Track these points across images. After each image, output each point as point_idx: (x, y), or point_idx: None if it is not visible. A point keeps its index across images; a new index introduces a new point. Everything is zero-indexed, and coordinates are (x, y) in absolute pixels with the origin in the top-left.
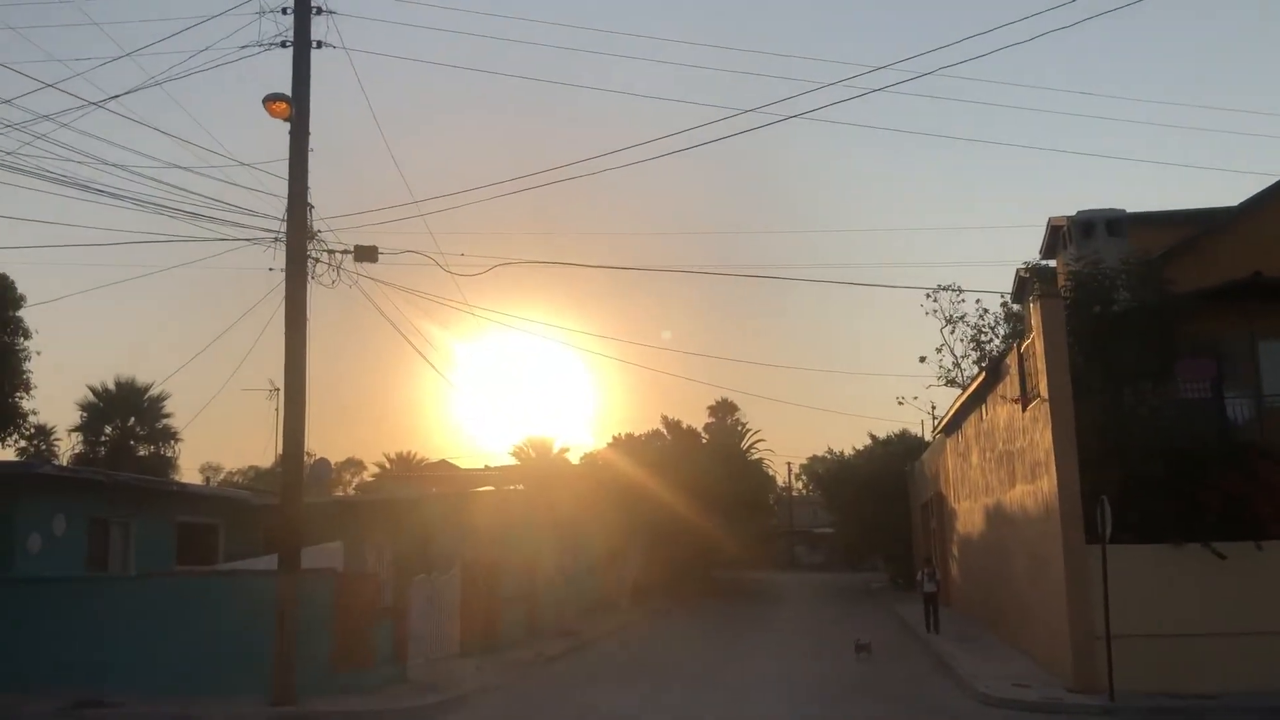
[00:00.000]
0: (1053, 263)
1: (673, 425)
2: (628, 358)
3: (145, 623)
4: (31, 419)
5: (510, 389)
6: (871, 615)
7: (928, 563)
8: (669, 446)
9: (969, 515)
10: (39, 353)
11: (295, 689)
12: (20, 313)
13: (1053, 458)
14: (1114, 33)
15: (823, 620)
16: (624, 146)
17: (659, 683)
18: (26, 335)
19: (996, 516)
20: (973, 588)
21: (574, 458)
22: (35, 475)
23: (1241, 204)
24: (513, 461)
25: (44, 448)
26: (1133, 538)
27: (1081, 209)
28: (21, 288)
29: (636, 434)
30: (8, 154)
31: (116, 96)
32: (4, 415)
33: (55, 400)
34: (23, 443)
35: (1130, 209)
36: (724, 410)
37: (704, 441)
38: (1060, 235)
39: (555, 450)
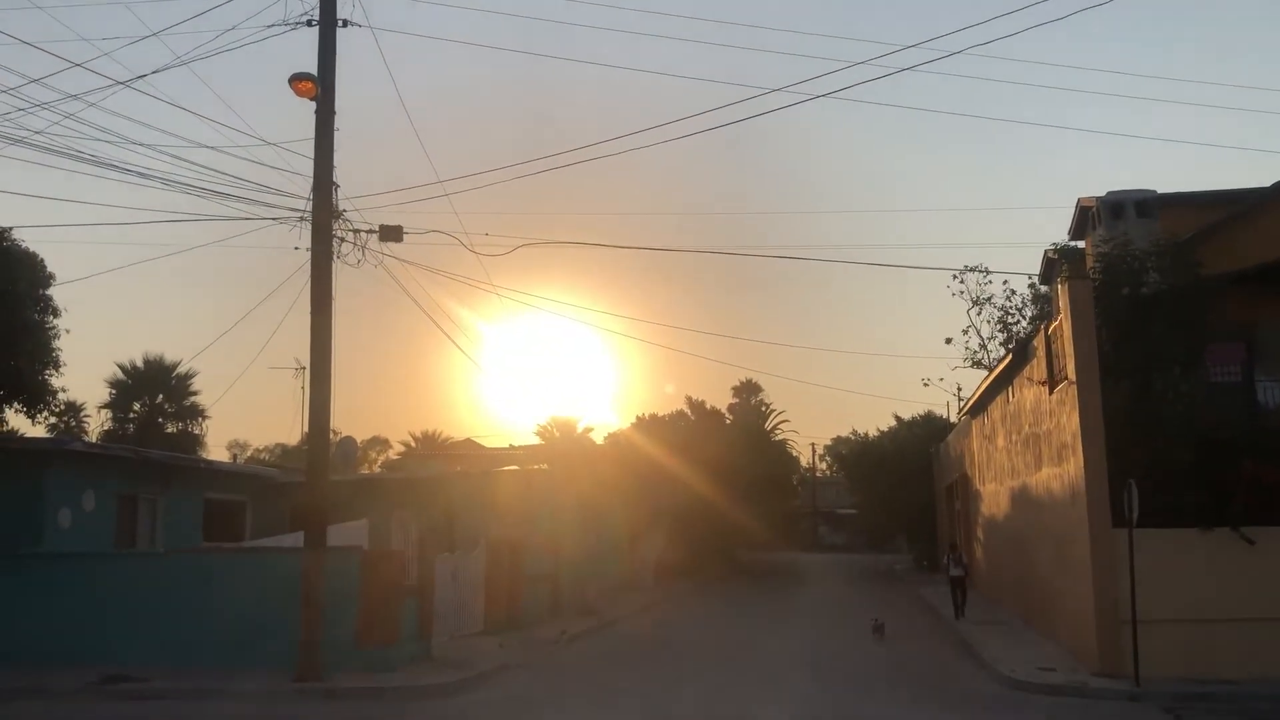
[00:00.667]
0: (1081, 244)
1: (696, 406)
2: (652, 338)
3: (172, 598)
4: (61, 396)
5: (535, 369)
6: (895, 597)
7: (954, 547)
8: (693, 427)
9: (994, 498)
10: (68, 331)
11: (320, 665)
12: (50, 291)
13: (1079, 441)
14: (1146, 11)
15: (846, 602)
16: (650, 126)
17: (682, 664)
18: (56, 313)
19: (1022, 499)
20: (997, 571)
21: (598, 438)
22: (65, 452)
23: (1274, 185)
24: (537, 441)
25: (73, 424)
26: (1160, 522)
27: (1111, 190)
28: (51, 266)
29: (660, 414)
30: (37, 133)
31: (144, 76)
32: (34, 392)
33: (85, 378)
34: (52, 420)
35: (1161, 190)
36: (748, 391)
37: (728, 422)
38: (1089, 216)
39: (579, 430)
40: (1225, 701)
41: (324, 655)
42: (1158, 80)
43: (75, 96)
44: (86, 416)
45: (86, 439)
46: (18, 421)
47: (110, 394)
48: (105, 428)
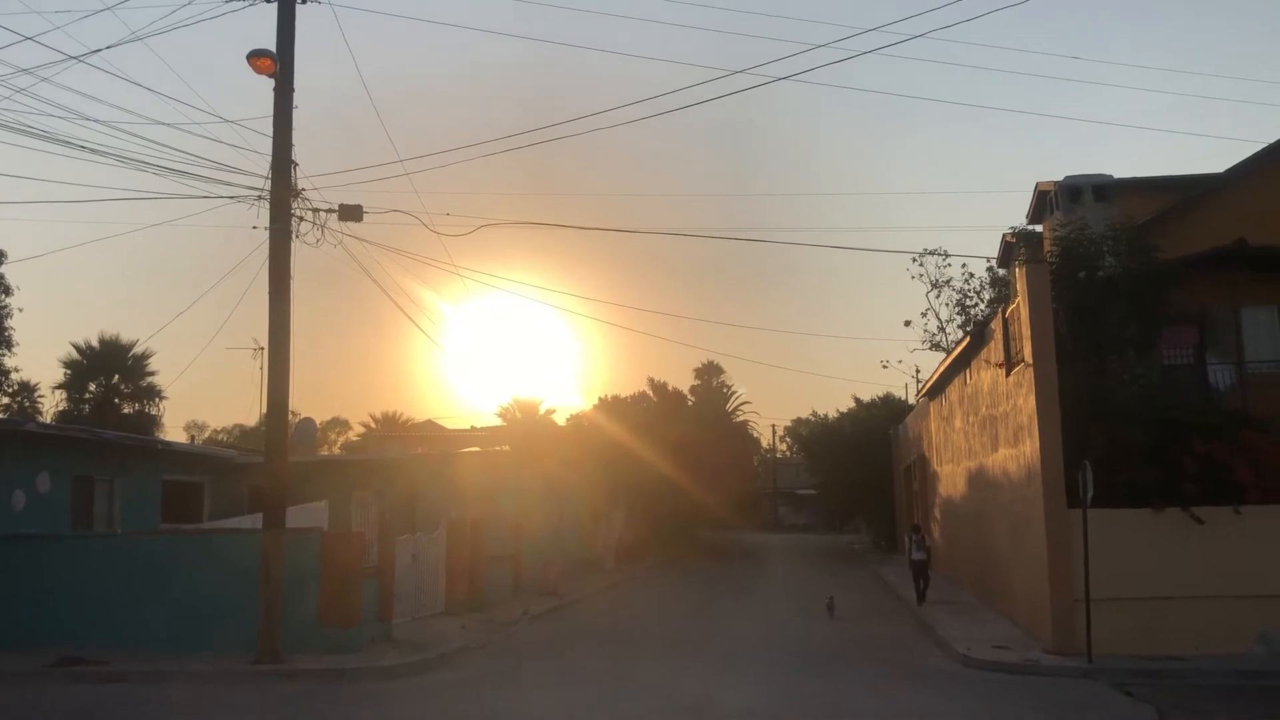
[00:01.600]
0: (1039, 228)
1: (659, 387)
2: (615, 320)
3: (130, 581)
4: (14, 376)
5: (497, 350)
6: (854, 577)
7: (916, 528)
8: (655, 408)
9: (951, 479)
10: (21, 309)
11: (280, 647)
12: (1, 269)
13: (1036, 422)
14: None
15: (805, 582)
16: (612, 107)
17: (643, 644)
18: (8, 292)
19: (979, 480)
20: (954, 551)
21: (560, 419)
22: (19, 432)
23: (1229, 171)
24: (499, 422)
25: (27, 405)
26: (1114, 502)
27: (1069, 174)
28: (2, 244)
29: (622, 396)
30: None
31: (98, 50)
32: None
33: (39, 358)
34: (5, 400)
35: (1118, 175)
36: (710, 373)
37: (690, 404)
38: (1047, 201)
39: (541, 411)
40: (1175, 677)
41: (284, 637)
42: (1116, 67)
43: (27, 71)
44: (41, 397)
45: (41, 420)
46: None
47: (65, 374)
48: (60, 408)
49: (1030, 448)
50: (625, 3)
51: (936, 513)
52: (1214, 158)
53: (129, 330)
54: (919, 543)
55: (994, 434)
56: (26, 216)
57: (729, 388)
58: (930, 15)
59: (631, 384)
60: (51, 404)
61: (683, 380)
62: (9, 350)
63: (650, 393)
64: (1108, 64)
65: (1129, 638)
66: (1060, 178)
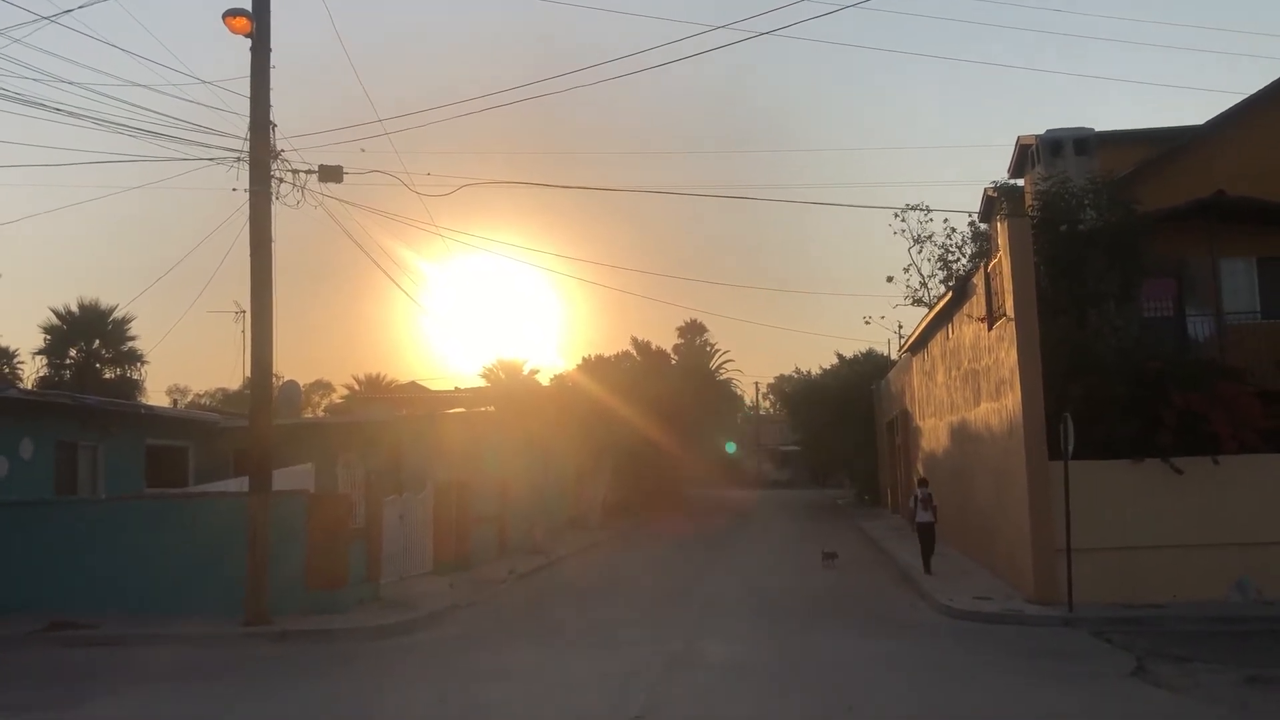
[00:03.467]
0: (1021, 182)
1: (642, 346)
2: (597, 279)
3: (117, 545)
4: None
5: (480, 311)
6: (837, 530)
7: (923, 483)
8: (638, 367)
9: (934, 433)
10: (0, 275)
11: (268, 609)
12: None
13: (1017, 376)
14: None
15: (789, 536)
16: (592, 64)
17: (629, 600)
18: None
19: (961, 434)
20: (938, 503)
21: (544, 379)
22: (1, 399)
23: (1208, 123)
24: (483, 383)
25: (7, 371)
26: (1095, 454)
27: (1050, 128)
28: None
29: (606, 355)
30: None
31: (70, 11)
32: None
33: (17, 323)
34: None
35: (1099, 128)
36: (693, 331)
37: (673, 362)
38: (1029, 154)
39: (525, 372)
40: (1152, 624)
41: (273, 599)
42: (1099, 19)
43: (0, 32)
44: (20, 364)
45: (21, 386)
46: None
47: (45, 340)
48: (41, 374)
49: (1012, 401)
50: None
51: (919, 467)
52: (1196, 110)
53: (109, 295)
54: (925, 500)
55: (976, 388)
56: (4, 182)
57: (712, 345)
58: None
59: (615, 344)
60: (32, 370)
61: (666, 339)
62: None
63: (634, 352)
64: (1090, 16)
65: (1109, 587)
66: (1042, 131)
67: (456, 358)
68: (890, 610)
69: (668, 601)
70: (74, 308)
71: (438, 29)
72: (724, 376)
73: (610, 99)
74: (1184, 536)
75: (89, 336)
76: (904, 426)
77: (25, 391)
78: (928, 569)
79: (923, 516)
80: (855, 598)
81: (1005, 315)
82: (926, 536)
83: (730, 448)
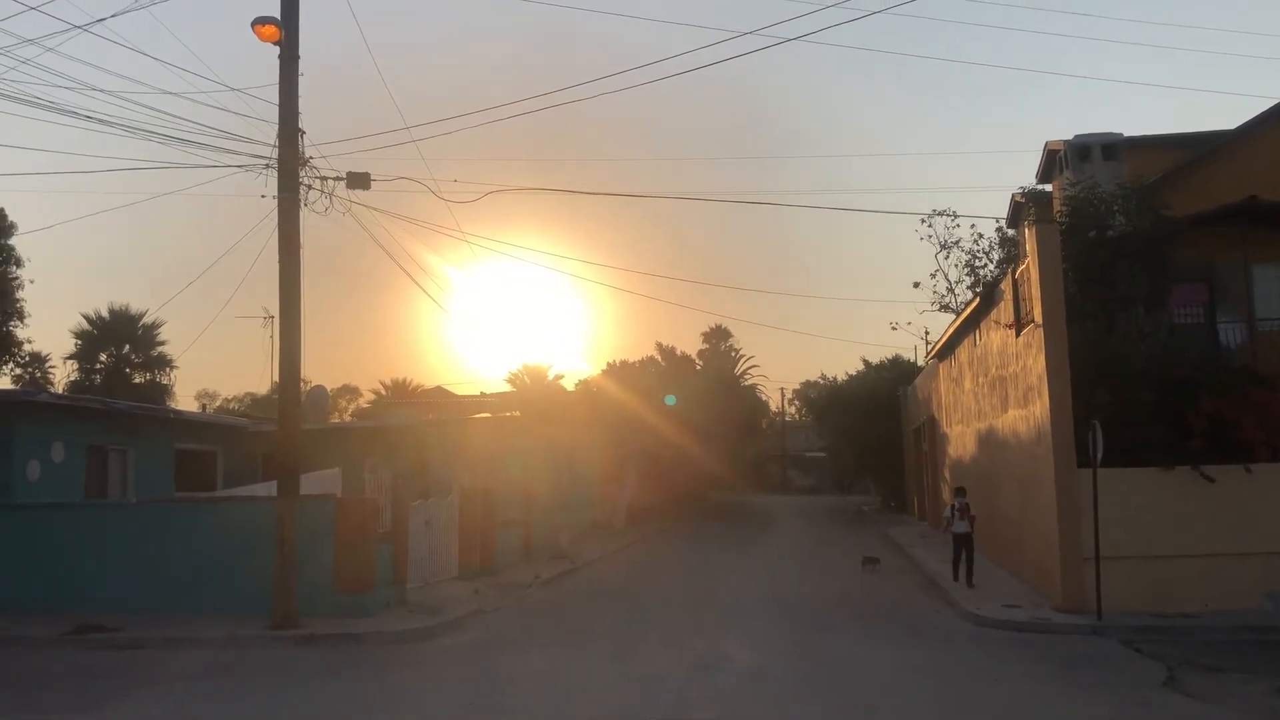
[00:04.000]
0: (1048, 187)
1: (667, 352)
2: (623, 285)
3: (145, 548)
4: (26, 347)
5: (505, 316)
6: (863, 537)
7: (960, 493)
8: (663, 373)
9: (961, 440)
10: (32, 281)
11: (296, 612)
12: (12, 241)
13: (1045, 382)
14: None
15: (814, 542)
16: (618, 71)
17: (654, 606)
18: (19, 264)
19: (988, 441)
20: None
21: (568, 384)
22: (33, 403)
23: (1239, 127)
24: (508, 388)
25: (39, 376)
26: (1123, 461)
27: (1078, 133)
28: (12, 215)
29: (631, 361)
30: None
31: (102, 20)
32: None
33: (49, 329)
34: (18, 371)
35: (1128, 133)
36: (718, 337)
37: (698, 368)
38: (1056, 160)
39: (550, 377)
40: (1183, 634)
41: (300, 602)
42: (1126, 23)
43: (32, 41)
44: (52, 368)
45: (52, 390)
46: None
47: (76, 345)
48: (71, 379)
49: (1040, 408)
50: None
51: (946, 473)
52: (1225, 115)
53: (139, 300)
54: (962, 510)
55: (1004, 395)
56: (35, 188)
57: (737, 351)
58: None
59: (640, 349)
60: (63, 374)
61: (691, 345)
62: (21, 322)
63: (659, 357)
64: (1118, 20)
65: (1138, 596)
66: (1070, 137)
67: (482, 363)
68: (916, 617)
69: (693, 605)
70: (104, 313)
71: (465, 34)
72: (749, 382)
73: (637, 104)
74: (1215, 545)
75: (119, 341)
76: (930, 433)
77: (56, 395)
78: (969, 581)
79: (959, 527)
80: (881, 604)
81: (1033, 321)
82: (963, 547)
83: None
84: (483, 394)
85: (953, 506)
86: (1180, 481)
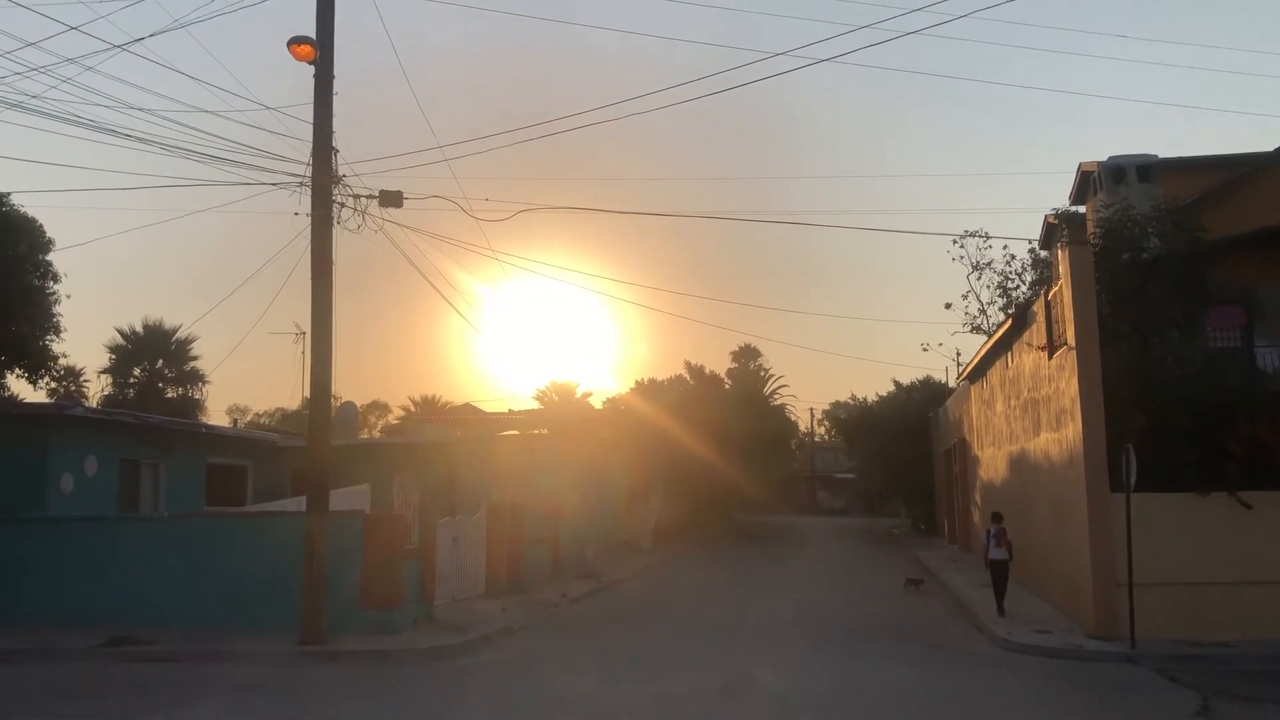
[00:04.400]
0: (1082, 209)
1: (695, 370)
2: (651, 303)
3: (176, 562)
4: (62, 361)
5: (534, 333)
6: (892, 559)
7: (996, 518)
8: (691, 391)
9: (992, 462)
10: (69, 296)
11: (323, 628)
12: (50, 256)
13: (1078, 406)
14: None
15: (843, 564)
16: (651, 91)
17: (681, 626)
18: (56, 279)
19: (1020, 464)
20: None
21: (596, 402)
22: (67, 417)
23: (1276, 149)
24: (536, 405)
25: (73, 389)
26: (1157, 485)
27: (1113, 155)
28: (50, 231)
29: (659, 379)
30: (34, 97)
31: (141, 39)
32: (35, 358)
33: (84, 343)
34: (53, 385)
35: (1163, 155)
36: (747, 356)
37: (726, 387)
38: (1091, 181)
39: (578, 394)
40: (1219, 663)
41: (328, 618)
42: (1161, 44)
43: (72, 60)
44: (86, 382)
45: (86, 404)
46: (19, 387)
47: (110, 359)
48: (105, 393)
49: (1073, 431)
50: None
51: (977, 496)
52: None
53: (172, 315)
54: (999, 535)
55: (1036, 417)
56: (73, 204)
57: (766, 370)
58: None
59: (668, 367)
60: (97, 388)
61: (720, 363)
62: (57, 336)
63: (687, 376)
64: (1153, 42)
65: (1172, 623)
66: (1104, 158)
67: (511, 380)
68: (947, 641)
69: (721, 627)
70: (139, 328)
71: (498, 54)
72: (778, 402)
73: (668, 123)
74: (1253, 573)
75: (153, 356)
76: (961, 455)
77: (91, 409)
78: (1000, 610)
79: (996, 553)
80: (911, 628)
81: (1066, 344)
82: (999, 575)
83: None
84: (511, 411)
85: (989, 533)
86: (1216, 507)
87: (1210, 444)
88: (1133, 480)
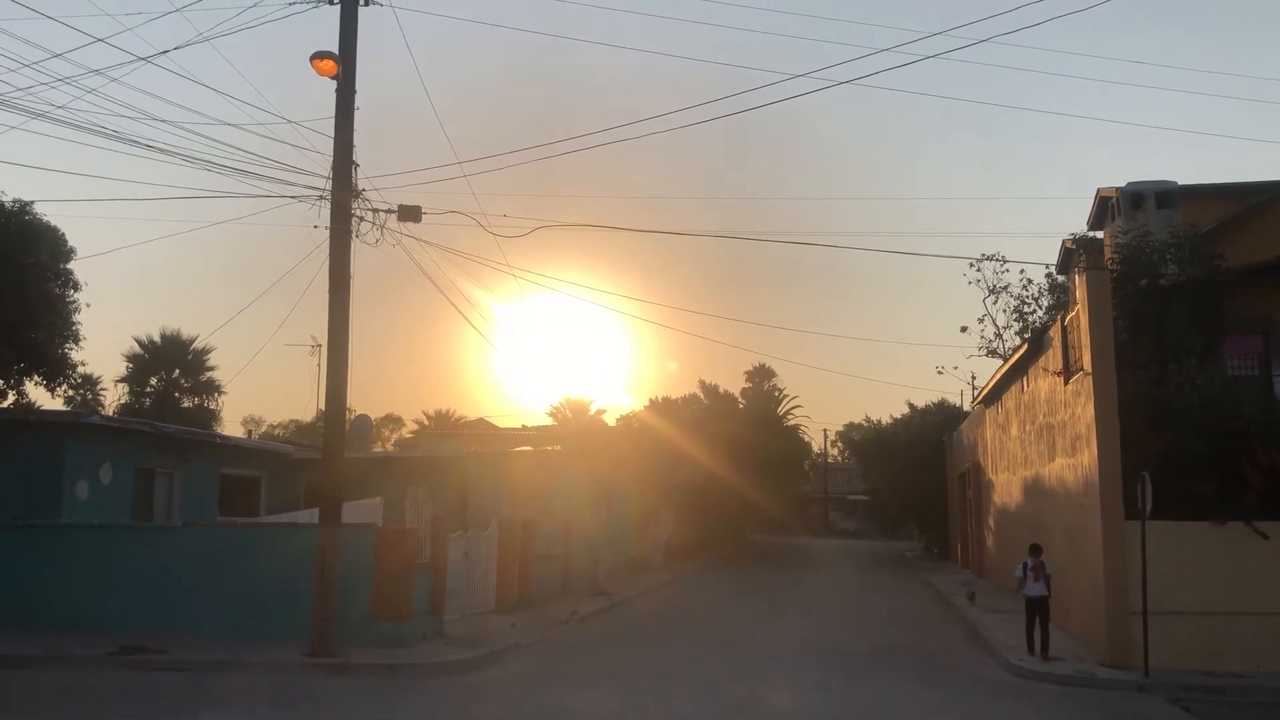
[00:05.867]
0: (1100, 234)
1: (709, 389)
2: (666, 322)
3: (188, 571)
4: (80, 369)
5: (549, 350)
6: (905, 583)
7: (1035, 551)
8: (705, 410)
9: (1006, 487)
10: (89, 305)
11: (333, 640)
12: (70, 265)
13: (1094, 432)
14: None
15: (855, 587)
16: (668, 111)
17: (693, 646)
18: (76, 287)
19: (1035, 489)
20: (1008, 560)
21: (610, 419)
22: (84, 425)
23: None
24: (550, 422)
25: (90, 397)
26: (1172, 513)
27: (1131, 181)
28: (71, 240)
29: (673, 397)
30: (59, 107)
31: (165, 52)
32: (54, 365)
33: (101, 351)
34: (70, 392)
35: (1181, 181)
36: (761, 376)
37: (740, 406)
38: (1109, 207)
39: (592, 411)
40: (1234, 694)
41: (338, 631)
42: (1179, 71)
43: (98, 71)
44: (103, 390)
45: (103, 412)
46: (37, 394)
47: (127, 368)
48: (122, 401)
49: (1088, 458)
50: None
51: (991, 521)
52: None
53: (190, 326)
54: (1036, 570)
55: (1051, 443)
56: (94, 214)
57: (780, 391)
58: (993, 21)
59: (682, 385)
60: (114, 397)
61: (734, 383)
62: (76, 344)
63: (701, 394)
64: (1173, 69)
65: (1187, 652)
66: (1122, 184)
67: (524, 396)
68: (958, 667)
69: (732, 647)
70: (156, 337)
71: (517, 69)
72: (792, 422)
73: (683, 142)
74: (1270, 604)
75: (170, 366)
76: (975, 479)
77: (107, 418)
78: (1036, 649)
79: (1034, 589)
80: (922, 653)
81: (1082, 369)
82: (1037, 612)
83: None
84: (525, 427)
85: (1025, 565)
86: (1233, 537)
87: (1227, 473)
88: (1148, 508)
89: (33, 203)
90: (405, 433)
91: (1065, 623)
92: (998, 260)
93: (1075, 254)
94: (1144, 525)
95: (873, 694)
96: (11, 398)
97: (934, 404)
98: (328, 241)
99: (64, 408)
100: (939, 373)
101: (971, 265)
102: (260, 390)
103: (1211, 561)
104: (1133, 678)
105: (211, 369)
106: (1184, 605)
